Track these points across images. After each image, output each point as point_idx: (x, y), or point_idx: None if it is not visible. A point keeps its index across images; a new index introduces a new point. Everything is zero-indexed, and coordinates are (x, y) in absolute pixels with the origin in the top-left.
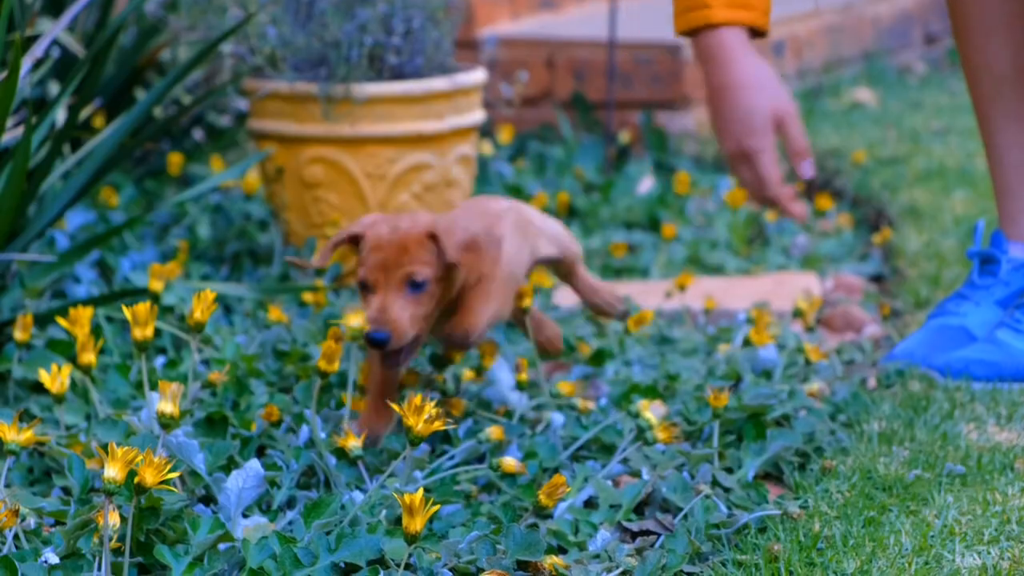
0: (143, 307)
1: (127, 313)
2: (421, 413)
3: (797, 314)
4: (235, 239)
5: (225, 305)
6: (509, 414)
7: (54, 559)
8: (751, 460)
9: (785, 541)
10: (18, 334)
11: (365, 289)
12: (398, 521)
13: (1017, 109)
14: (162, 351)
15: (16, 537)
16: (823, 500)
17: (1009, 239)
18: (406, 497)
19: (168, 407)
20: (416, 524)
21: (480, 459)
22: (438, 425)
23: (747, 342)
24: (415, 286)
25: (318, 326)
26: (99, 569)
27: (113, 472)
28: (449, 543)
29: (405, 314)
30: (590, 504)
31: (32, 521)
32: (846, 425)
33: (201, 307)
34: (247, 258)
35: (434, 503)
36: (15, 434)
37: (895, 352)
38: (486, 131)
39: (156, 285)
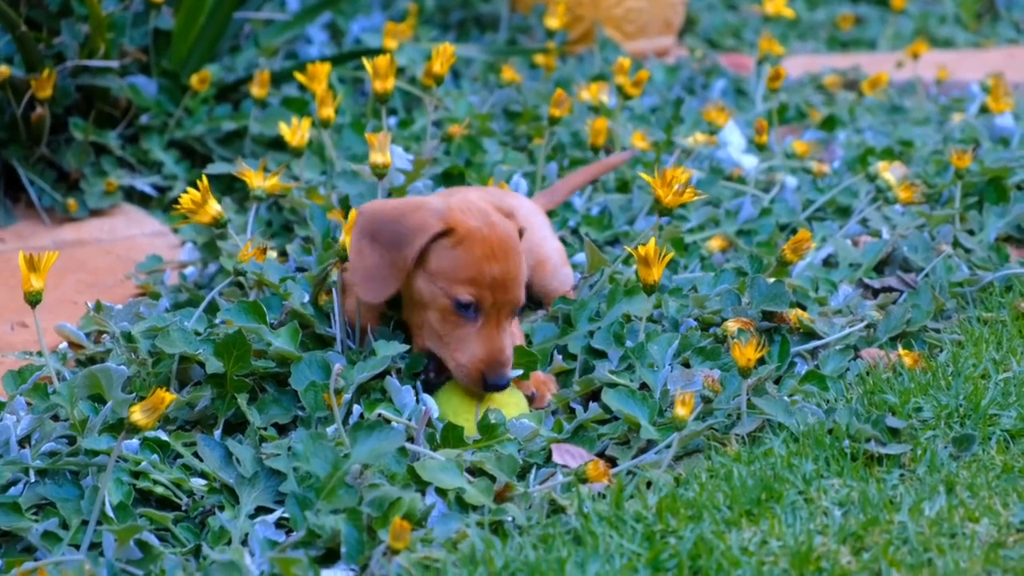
0: (383, 59)
1: (367, 66)
2: (670, 186)
3: None
4: (459, 7)
5: (454, 70)
6: (742, 179)
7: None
8: (993, 222)
9: None
10: (255, 90)
11: (464, 310)
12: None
13: None
14: (393, 112)
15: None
16: None
17: None
18: (640, 249)
19: (380, 158)
20: (654, 274)
21: (715, 223)
22: (688, 196)
23: (983, 110)
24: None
25: (549, 88)
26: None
27: (344, 236)
28: (698, 296)
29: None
30: (828, 264)
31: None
32: None
33: (440, 60)
34: (473, 25)
35: (666, 253)
36: (261, 180)
37: None
38: None
39: (390, 43)
